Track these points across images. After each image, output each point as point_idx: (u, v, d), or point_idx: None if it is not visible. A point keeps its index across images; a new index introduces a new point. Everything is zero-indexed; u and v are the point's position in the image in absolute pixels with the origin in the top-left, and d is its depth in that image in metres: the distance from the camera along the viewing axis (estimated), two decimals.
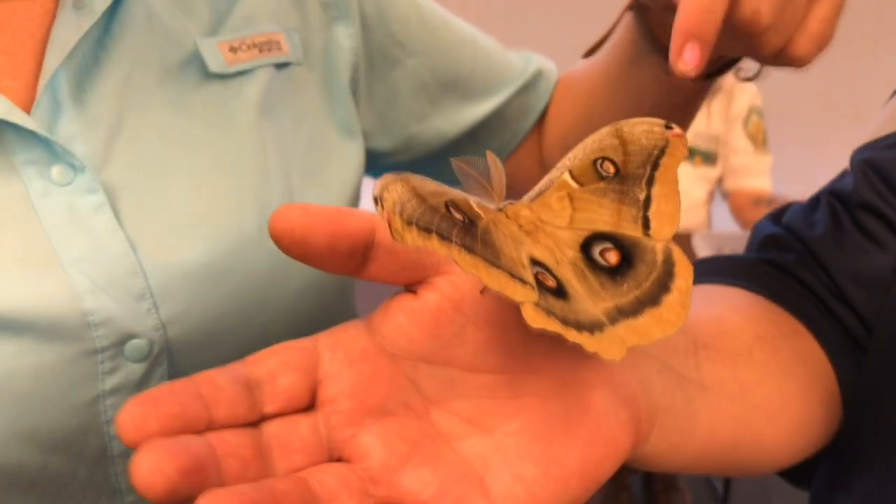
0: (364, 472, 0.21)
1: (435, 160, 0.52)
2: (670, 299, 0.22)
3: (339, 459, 0.21)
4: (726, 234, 1.72)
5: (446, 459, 0.21)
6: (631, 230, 0.23)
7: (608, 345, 0.19)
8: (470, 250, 0.19)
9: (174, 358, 0.36)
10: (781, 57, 0.33)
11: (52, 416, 0.33)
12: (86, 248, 0.34)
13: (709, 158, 1.83)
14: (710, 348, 0.31)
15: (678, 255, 0.23)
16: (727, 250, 1.16)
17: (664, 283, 0.22)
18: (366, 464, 0.21)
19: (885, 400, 0.36)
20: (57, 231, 0.33)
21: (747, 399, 0.31)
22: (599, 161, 0.24)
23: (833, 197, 0.41)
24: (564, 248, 0.22)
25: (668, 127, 0.25)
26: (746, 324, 0.34)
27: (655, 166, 0.24)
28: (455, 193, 0.21)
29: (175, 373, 0.36)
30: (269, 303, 0.38)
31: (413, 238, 0.18)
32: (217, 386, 0.20)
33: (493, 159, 0.23)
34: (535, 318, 0.18)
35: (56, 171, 0.34)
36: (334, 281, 0.41)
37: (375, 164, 0.51)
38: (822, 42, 0.33)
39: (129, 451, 0.34)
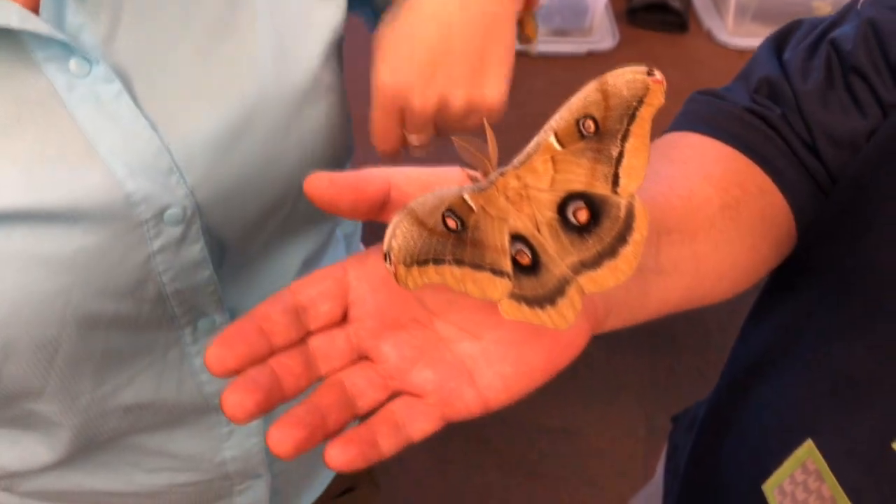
0: (384, 370, 0.28)
1: None
2: (626, 251, 0.27)
3: (365, 358, 0.29)
4: None
5: (445, 360, 0.29)
6: (602, 188, 0.27)
7: (565, 313, 0.25)
8: (460, 262, 0.24)
9: (204, 216, 0.42)
10: None
11: (117, 275, 0.40)
12: (117, 138, 0.37)
13: None
14: (673, 232, 0.36)
15: (638, 209, 0.27)
16: None
17: (623, 237, 0.27)
18: (385, 365, 0.28)
19: (830, 241, 0.42)
20: (89, 124, 0.37)
21: (700, 268, 0.37)
22: (583, 120, 0.27)
23: (833, 48, 0.43)
24: (544, 210, 0.27)
25: (650, 73, 0.27)
26: (715, 194, 0.39)
27: (632, 119, 0.27)
28: (451, 197, 0.25)
29: (207, 226, 0.42)
30: (279, 158, 0.43)
31: (413, 280, 0.23)
32: (272, 320, 0.27)
33: (489, 131, 0.26)
34: (509, 311, 0.24)
35: (73, 64, 0.36)
36: (330, 132, 0.46)
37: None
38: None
39: (179, 290, 0.43)
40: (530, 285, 0.25)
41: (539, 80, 1.10)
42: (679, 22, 1.21)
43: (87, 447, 0.48)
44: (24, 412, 0.44)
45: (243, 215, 0.44)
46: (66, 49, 0.36)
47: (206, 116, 0.40)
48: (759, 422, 0.46)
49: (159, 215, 0.39)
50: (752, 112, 0.44)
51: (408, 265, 0.23)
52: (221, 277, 0.45)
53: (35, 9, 0.35)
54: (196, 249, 0.42)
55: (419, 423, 0.28)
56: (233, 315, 0.47)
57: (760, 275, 0.44)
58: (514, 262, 0.26)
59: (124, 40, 0.38)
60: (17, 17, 0.34)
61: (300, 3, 0.44)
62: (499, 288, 0.25)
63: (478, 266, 0.25)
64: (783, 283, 0.47)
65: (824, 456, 0.38)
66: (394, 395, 0.29)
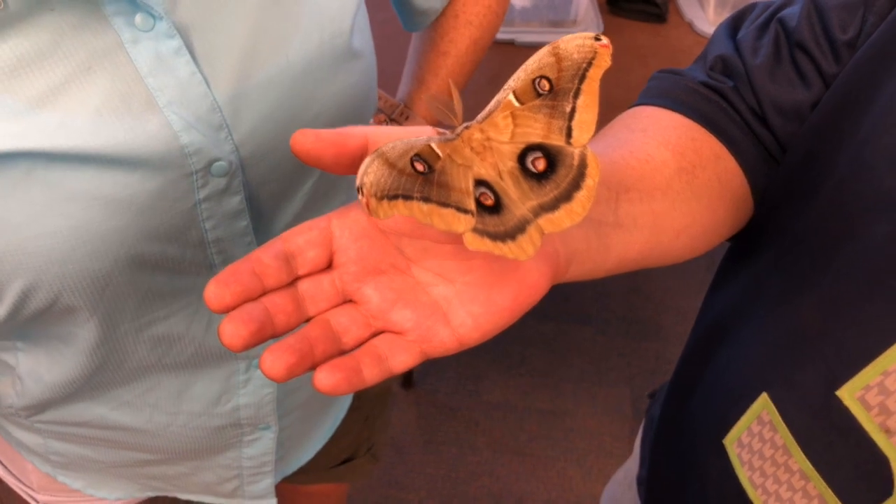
0: (366, 311, 0.31)
1: None
2: (580, 195, 0.30)
3: (349, 301, 0.32)
4: None
5: (422, 302, 0.32)
6: (557, 139, 0.31)
7: (525, 246, 0.28)
8: (427, 199, 0.27)
9: (246, 169, 0.45)
10: None
11: (166, 220, 0.43)
12: (175, 92, 0.40)
13: None
14: (632, 190, 0.39)
15: (590, 157, 0.30)
16: None
17: (577, 182, 0.30)
18: (367, 306, 0.31)
19: (782, 206, 0.45)
20: (151, 77, 0.40)
21: (658, 225, 0.40)
22: (538, 80, 0.31)
23: (780, 26, 0.46)
24: (505, 160, 0.30)
25: (597, 38, 0.31)
26: (672, 158, 0.43)
27: (583, 78, 0.31)
28: (419, 145, 0.28)
29: (247, 181, 0.46)
30: (315, 118, 0.47)
31: (384, 211, 0.26)
32: (264, 263, 0.30)
33: (454, 89, 0.30)
34: (472, 243, 0.27)
35: (138, 18, 0.39)
36: (360, 102, 0.50)
37: None
38: None
39: (219, 238, 0.47)
40: (493, 223, 0.29)
41: None
42: (658, 13, 1.24)
43: (113, 379, 0.52)
44: (71, 333, 0.47)
45: (280, 172, 0.48)
46: (133, 4, 0.39)
47: (255, 79, 0.43)
48: (720, 381, 0.48)
49: (207, 167, 0.43)
50: (707, 86, 0.47)
51: (378, 198, 0.27)
52: (256, 230, 0.49)
53: None
54: (236, 201, 0.46)
55: (400, 356, 0.31)
56: None
57: (718, 237, 0.47)
58: (478, 203, 0.29)
59: (186, 1, 0.41)
60: None
61: None
62: (463, 223, 0.28)
63: (444, 204, 0.28)
64: (742, 250, 0.51)
65: (777, 407, 0.41)
66: (376, 334, 0.32)
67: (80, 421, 0.56)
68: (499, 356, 1.68)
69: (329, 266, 0.32)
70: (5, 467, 0.70)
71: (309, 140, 0.29)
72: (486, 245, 0.28)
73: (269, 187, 0.48)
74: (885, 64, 0.39)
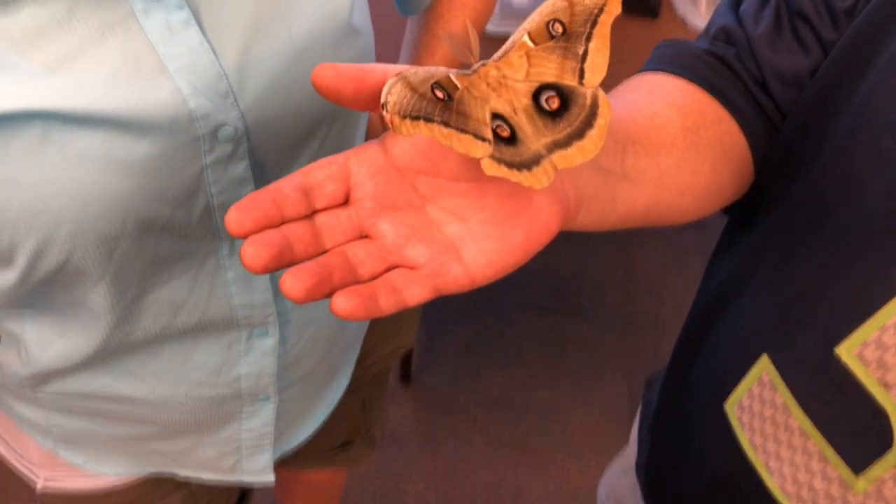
0: (382, 245, 0.32)
1: None
2: (592, 133, 0.30)
3: (365, 236, 0.33)
4: None
5: (435, 239, 0.32)
6: (570, 80, 0.31)
7: (539, 177, 0.29)
8: (446, 124, 0.28)
9: (251, 136, 0.46)
10: None
11: (175, 183, 0.44)
12: (184, 60, 0.42)
13: None
14: (638, 144, 0.40)
15: (602, 98, 0.31)
16: None
17: (589, 121, 0.31)
18: (382, 241, 0.32)
19: (781, 173, 0.46)
20: (162, 46, 0.41)
21: (663, 180, 0.41)
22: (552, 22, 0.32)
23: None
24: (520, 97, 0.31)
25: None
26: (676, 117, 0.44)
27: (594, 24, 0.32)
28: (439, 74, 0.29)
29: (252, 148, 0.47)
30: (314, 90, 0.47)
31: (407, 129, 0.27)
32: (284, 194, 0.30)
33: (471, 28, 0.31)
34: (490, 168, 0.28)
35: None
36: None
37: None
38: None
39: (224, 203, 0.48)
40: (509, 153, 0.29)
41: None
42: (651, 8, 1.25)
43: (118, 347, 0.53)
44: (79, 298, 0.48)
45: (283, 139, 0.49)
46: None
47: (259, 50, 0.45)
48: (720, 348, 0.49)
49: (214, 132, 0.44)
50: (710, 54, 0.48)
51: (402, 117, 0.27)
52: None
53: None
54: (242, 167, 0.47)
55: (414, 289, 0.31)
56: None
57: (722, 199, 0.48)
58: (495, 134, 0.30)
59: None
60: None
61: None
62: (481, 149, 0.29)
63: (462, 130, 0.29)
64: (740, 221, 0.52)
65: (777, 367, 0.41)
66: (390, 269, 0.32)
67: (84, 391, 0.56)
68: (496, 351, 1.69)
69: (346, 201, 0.32)
70: (7, 444, 0.70)
71: (329, 74, 0.29)
72: (503, 171, 0.29)
73: (273, 154, 0.49)
74: (886, 27, 0.40)
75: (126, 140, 0.41)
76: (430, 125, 0.28)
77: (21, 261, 0.43)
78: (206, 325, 0.54)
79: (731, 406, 0.46)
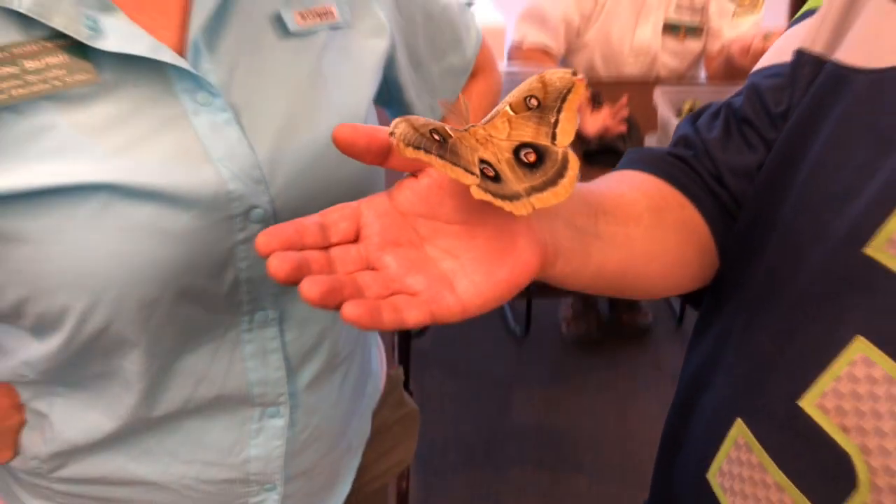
0: (386, 275, 0.37)
1: None
2: (563, 181, 0.37)
3: (372, 268, 0.37)
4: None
5: (432, 272, 0.37)
6: (544, 141, 0.38)
7: (519, 207, 0.35)
8: (442, 157, 0.34)
9: (279, 218, 0.53)
10: None
11: (209, 255, 0.51)
12: (225, 150, 0.50)
13: (693, 31, 1.82)
14: (609, 214, 0.46)
15: (571, 155, 0.38)
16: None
17: (561, 172, 0.37)
18: (387, 271, 0.37)
19: (739, 260, 0.52)
20: (206, 139, 0.49)
21: (632, 246, 0.47)
22: (528, 98, 0.39)
23: (729, 110, 0.56)
24: (503, 152, 0.37)
25: (574, 74, 0.39)
26: (643, 198, 0.50)
27: (564, 100, 0.39)
28: (437, 124, 0.36)
29: None
30: (341, 179, 0.55)
31: (410, 153, 0.33)
32: (305, 226, 0.36)
33: (464, 99, 0.38)
34: (478, 193, 0.34)
35: (200, 96, 0.49)
36: (369, 172, 0.58)
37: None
38: None
39: (251, 278, 0.54)
40: (494, 186, 0.35)
41: None
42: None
43: (141, 422, 0.56)
44: (113, 367, 0.53)
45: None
46: (197, 84, 0.49)
47: (288, 145, 0.53)
48: (700, 425, 0.52)
49: (247, 213, 0.51)
50: (672, 155, 0.56)
51: (406, 145, 0.33)
52: None
53: (181, 53, 0.49)
54: None
55: (412, 311, 0.35)
56: (283, 313, 0.58)
57: (689, 275, 0.53)
58: (482, 172, 0.36)
59: (238, 83, 0.51)
60: (170, 56, 0.47)
61: (360, 49, 0.59)
62: (470, 179, 0.35)
63: (455, 164, 0.35)
64: (709, 309, 0.57)
65: (750, 429, 0.45)
66: (393, 294, 0.36)
67: (98, 475, 0.58)
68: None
69: (356, 239, 0.38)
70: None
71: (347, 131, 0.36)
72: (489, 197, 0.34)
73: None
74: (815, 120, 0.47)
75: (172, 213, 0.48)
76: (428, 156, 0.34)
77: (69, 324, 0.48)
78: (224, 400, 0.57)
79: (713, 475, 0.48)
